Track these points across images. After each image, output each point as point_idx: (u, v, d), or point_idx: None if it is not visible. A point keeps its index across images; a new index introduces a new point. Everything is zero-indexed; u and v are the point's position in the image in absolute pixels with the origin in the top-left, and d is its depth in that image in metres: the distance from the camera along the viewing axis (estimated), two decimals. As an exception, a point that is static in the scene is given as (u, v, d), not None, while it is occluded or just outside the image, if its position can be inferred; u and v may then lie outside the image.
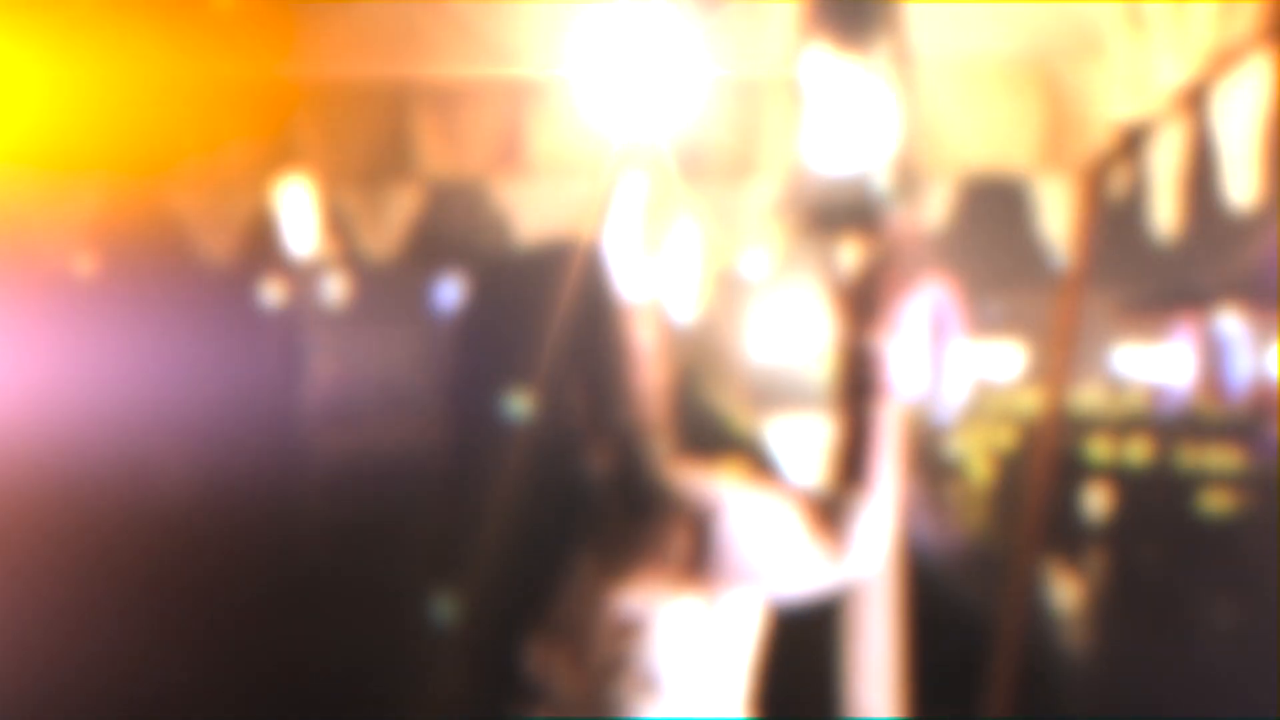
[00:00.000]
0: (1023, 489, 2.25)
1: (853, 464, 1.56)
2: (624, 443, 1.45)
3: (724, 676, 1.52)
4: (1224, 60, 1.56)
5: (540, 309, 1.47)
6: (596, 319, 1.49)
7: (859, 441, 1.57)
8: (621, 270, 1.57)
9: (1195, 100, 1.77)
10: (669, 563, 1.41)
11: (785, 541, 1.45)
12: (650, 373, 1.55)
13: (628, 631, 1.44)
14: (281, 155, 2.41)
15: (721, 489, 1.46)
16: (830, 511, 1.50)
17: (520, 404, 1.46)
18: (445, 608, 1.61)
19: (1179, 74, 1.59)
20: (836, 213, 1.75)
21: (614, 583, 1.44)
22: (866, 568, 1.52)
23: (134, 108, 2.44)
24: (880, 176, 1.76)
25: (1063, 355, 2.20)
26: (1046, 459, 2.20)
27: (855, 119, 1.78)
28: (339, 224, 3.06)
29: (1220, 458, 11.67)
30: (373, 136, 2.40)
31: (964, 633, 5.36)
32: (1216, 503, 9.71)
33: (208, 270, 2.61)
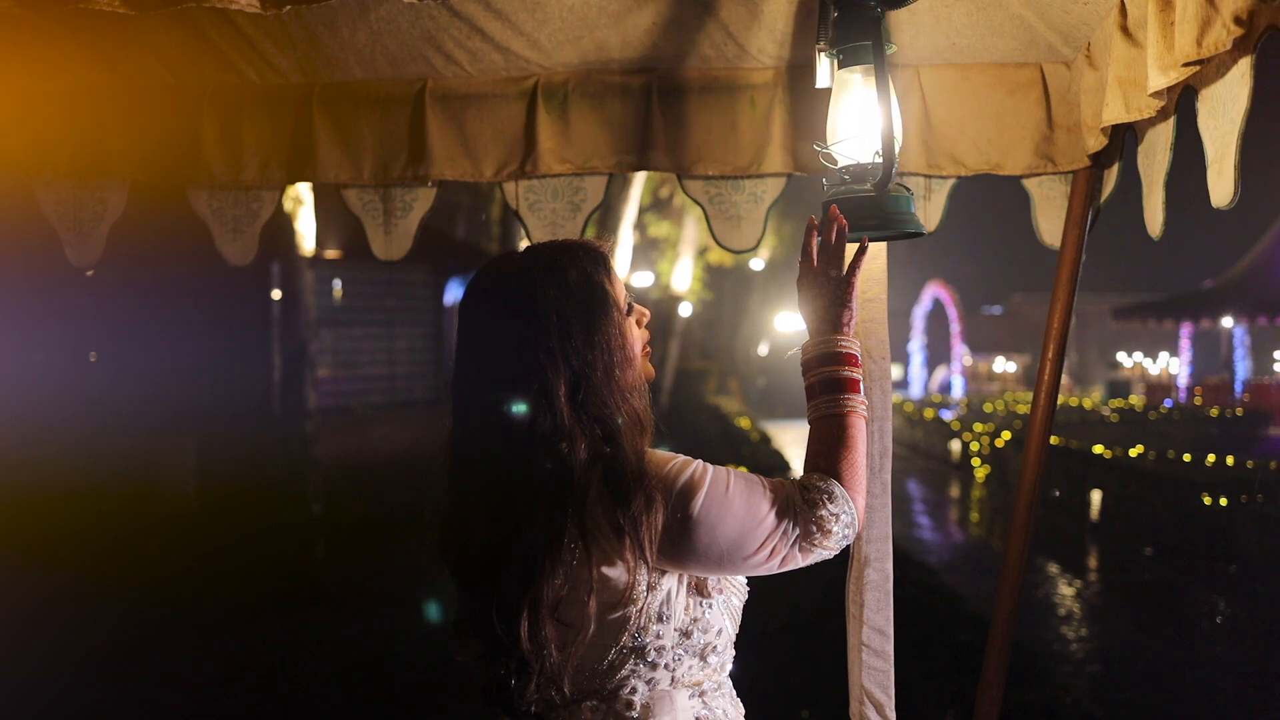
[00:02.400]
0: (1015, 485, 2.29)
1: (831, 452, 1.62)
2: (606, 433, 1.52)
3: (711, 649, 1.58)
4: (1210, 65, 1.62)
5: (533, 308, 1.53)
6: (588, 318, 1.55)
7: (838, 431, 1.64)
8: (615, 270, 1.63)
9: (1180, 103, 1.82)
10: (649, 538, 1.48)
11: (759, 516, 1.51)
12: (637, 368, 1.62)
13: (617, 603, 1.50)
14: (295, 157, 2.45)
15: (700, 469, 1.52)
16: (806, 490, 1.56)
17: (513, 397, 1.52)
18: (450, 591, 1.66)
19: (1167, 78, 1.63)
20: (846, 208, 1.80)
21: (599, 561, 1.50)
22: (839, 545, 1.57)
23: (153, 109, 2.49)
24: (876, 174, 1.82)
25: (1055, 352, 2.24)
26: (1038, 456, 2.24)
27: (857, 121, 1.83)
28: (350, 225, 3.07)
29: (1219, 458, 11.66)
30: (386, 139, 2.44)
31: (958, 626, 5.38)
32: (1215, 502, 9.71)
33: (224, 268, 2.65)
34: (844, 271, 1.74)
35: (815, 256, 1.76)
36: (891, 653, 1.94)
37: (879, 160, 1.83)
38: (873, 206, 1.80)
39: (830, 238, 1.75)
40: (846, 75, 1.87)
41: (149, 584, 7.68)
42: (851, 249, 1.77)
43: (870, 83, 1.82)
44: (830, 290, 1.72)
